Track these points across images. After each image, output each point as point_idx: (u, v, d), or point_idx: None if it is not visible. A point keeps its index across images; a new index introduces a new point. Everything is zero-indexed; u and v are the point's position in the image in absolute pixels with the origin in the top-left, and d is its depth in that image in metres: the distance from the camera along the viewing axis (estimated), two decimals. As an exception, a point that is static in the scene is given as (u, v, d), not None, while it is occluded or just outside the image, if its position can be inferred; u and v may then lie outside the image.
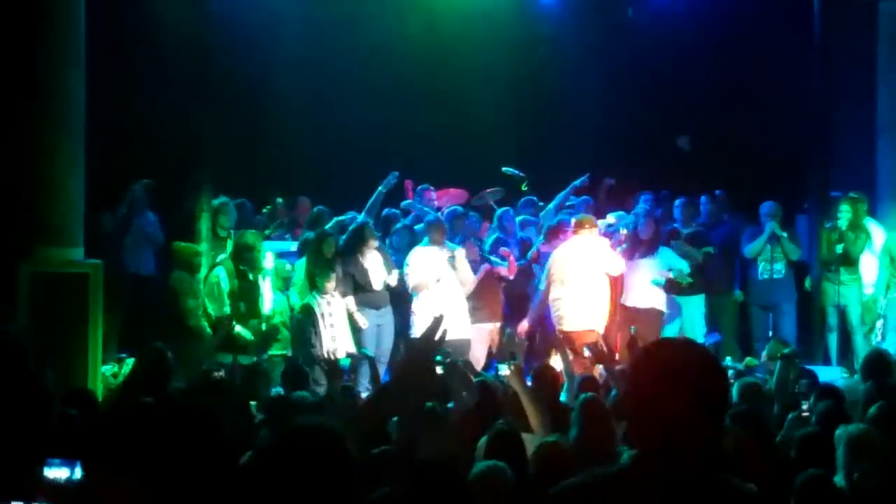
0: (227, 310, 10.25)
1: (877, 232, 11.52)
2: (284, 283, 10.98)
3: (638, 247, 11.15)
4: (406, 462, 3.90)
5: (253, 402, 7.49)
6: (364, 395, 8.41)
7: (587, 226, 10.73)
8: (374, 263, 10.77)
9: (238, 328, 10.16)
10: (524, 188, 13.17)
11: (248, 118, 13.65)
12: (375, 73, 14.22)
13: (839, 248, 11.21)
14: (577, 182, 12.26)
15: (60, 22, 9.15)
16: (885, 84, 12.19)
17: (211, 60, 11.10)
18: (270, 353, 10.41)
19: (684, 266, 11.15)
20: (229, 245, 10.82)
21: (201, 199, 10.76)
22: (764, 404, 7.28)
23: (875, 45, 12.27)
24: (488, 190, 13.13)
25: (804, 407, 6.88)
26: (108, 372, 9.17)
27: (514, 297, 11.38)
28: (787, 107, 12.95)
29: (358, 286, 10.70)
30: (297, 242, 11.69)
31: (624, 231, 11.44)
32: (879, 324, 11.18)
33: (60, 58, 9.08)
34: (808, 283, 11.86)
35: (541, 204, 12.59)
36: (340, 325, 10.41)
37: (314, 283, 10.47)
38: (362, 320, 10.60)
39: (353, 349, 10.30)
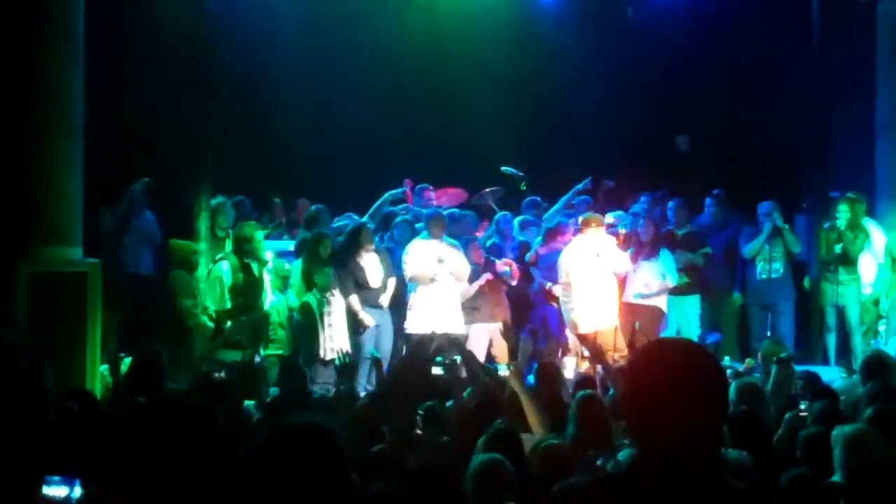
0: (229, 304, 10.27)
1: (875, 232, 11.52)
2: (283, 283, 10.99)
3: (640, 249, 11.19)
4: (397, 461, 3.92)
5: (252, 402, 7.51)
6: (363, 395, 8.42)
7: (594, 224, 10.76)
8: (371, 262, 10.80)
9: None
10: (523, 187, 13.19)
11: (248, 118, 13.65)
12: (375, 72, 14.22)
13: (838, 248, 11.22)
14: (579, 186, 12.37)
15: (60, 22, 9.16)
16: (884, 84, 12.18)
17: (211, 60, 11.10)
18: (266, 353, 10.41)
19: (674, 275, 11.20)
20: (228, 245, 10.83)
21: (200, 199, 10.77)
22: (762, 405, 7.28)
23: (874, 46, 12.27)
24: (488, 189, 13.15)
25: (802, 407, 6.87)
26: (107, 371, 9.16)
27: (515, 299, 11.41)
28: (785, 107, 12.95)
29: (357, 284, 10.72)
30: (294, 242, 11.70)
31: (623, 231, 11.46)
32: (882, 327, 11.19)
33: (59, 57, 9.09)
34: (806, 282, 11.87)
35: (545, 204, 12.62)
36: (339, 325, 10.42)
37: (311, 284, 10.48)
38: (368, 319, 10.62)
39: (349, 349, 10.32)
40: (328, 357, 10.25)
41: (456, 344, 9.84)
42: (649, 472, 2.62)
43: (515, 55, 14.43)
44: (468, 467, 4.75)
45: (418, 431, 6.22)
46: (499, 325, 11.21)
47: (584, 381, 8.08)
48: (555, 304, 11.23)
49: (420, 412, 6.38)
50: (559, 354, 10.95)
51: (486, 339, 11.10)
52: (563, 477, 3.48)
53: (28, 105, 9.02)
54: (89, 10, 9.32)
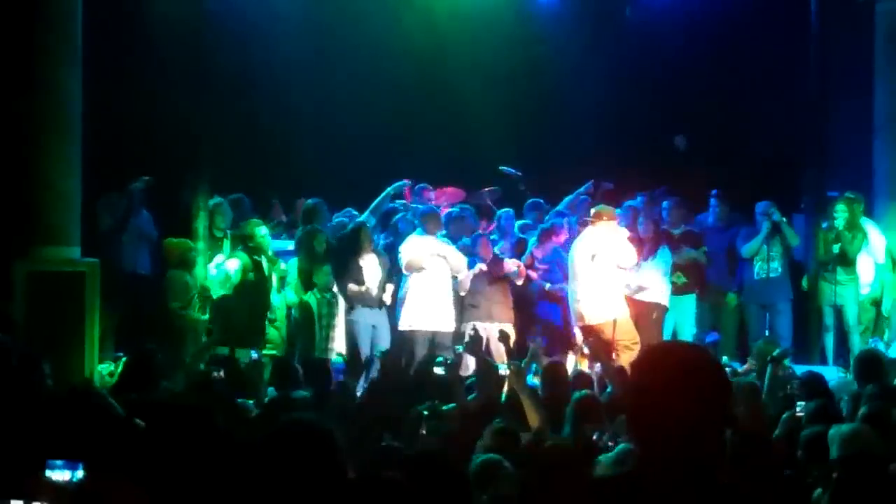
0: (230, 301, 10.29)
1: (873, 232, 11.53)
2: (280, 283, 10.99)
3: (640, 248, 11.21)
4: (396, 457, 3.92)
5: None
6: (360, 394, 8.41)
7: (605, 217, 10.78)
8: (369, 262, 10.83)
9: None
10: (521, 187, 13.20)
11: (247, 117, 13.64)
12: (374, 72, 14.20)
13: (836, 248, 11.23)
14: (582, 189, 12.43)
15: (58, 22, 9.17)
16: (882, 84, 12.18)
17: (210, 59, 11.10)
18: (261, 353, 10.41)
19: (668, 277, 11.25)
20: (226, 245, 10.84)
21: (199, 198, 10.77)
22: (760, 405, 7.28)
23: (872, 45, 12.27)
24: (486, 189, 13.16)
25: (798, 407, 6.88)
26: (105, 370, 9.17)
27: (515, 297, 11.42)
28: (784, 106, 12.95)
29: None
30: (294, 241, 11.70)
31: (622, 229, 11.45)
32: (885, 333, 11.22)
33: (57, 57, 9.10)
34: (804, 282, 11.87)
35: (547, 207, 12.63)
36: (339, 326, 10.45)
37: (309, 281, 10.48)
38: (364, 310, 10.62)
39: (344, 349, 10.34)
40: (327, 357, 10.25)
41: (443, 342, 9.87)
42: (650, 471, 2.63)
43: (514, 55, 14.42)
44: (468, 467, 4.75)
45: (423, 432, 6.22)
46: (496, 325, 11.20)
47: (580, 379, 8.08)
48: (556, 304, 11.26)
49: (424, 412, 6.37)
50: (563, 352, 10.94)
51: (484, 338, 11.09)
52: (562, 477, 3.48)
53: (26, 105, 9.04)
54: (88, 10, 9.32)
